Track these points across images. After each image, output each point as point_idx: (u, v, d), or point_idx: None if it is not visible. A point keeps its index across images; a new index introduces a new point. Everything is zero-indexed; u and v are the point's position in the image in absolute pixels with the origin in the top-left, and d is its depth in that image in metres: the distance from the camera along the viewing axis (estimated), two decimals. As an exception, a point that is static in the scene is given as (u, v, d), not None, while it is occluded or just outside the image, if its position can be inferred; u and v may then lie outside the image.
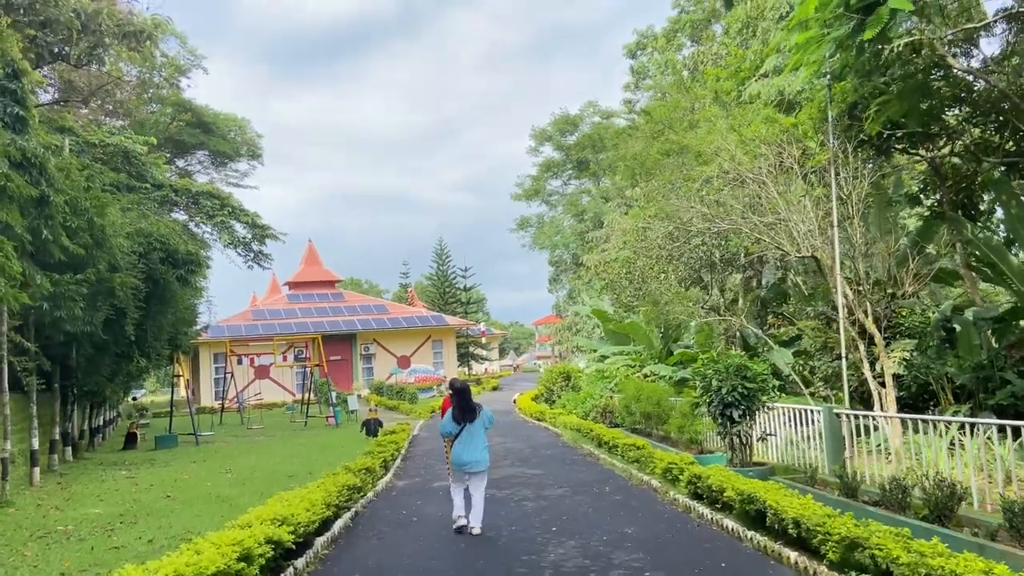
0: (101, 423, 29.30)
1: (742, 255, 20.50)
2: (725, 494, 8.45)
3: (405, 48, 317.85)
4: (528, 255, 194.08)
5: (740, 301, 21.13)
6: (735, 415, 11.22)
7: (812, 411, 11.39)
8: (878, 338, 12.81)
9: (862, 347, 12.73)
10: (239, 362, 37.42)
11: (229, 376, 37.05)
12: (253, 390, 47.46)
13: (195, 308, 26.44)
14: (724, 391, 11.25)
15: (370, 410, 24.30)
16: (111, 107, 32.29)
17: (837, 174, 11.74)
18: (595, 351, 33.53)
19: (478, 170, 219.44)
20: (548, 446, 18.22)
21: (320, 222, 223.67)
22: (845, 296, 12.91)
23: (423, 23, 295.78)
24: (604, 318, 30.78)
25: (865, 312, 12.93)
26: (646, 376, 25.55)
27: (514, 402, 36.99)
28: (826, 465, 11.15)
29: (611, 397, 24.55)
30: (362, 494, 11.31)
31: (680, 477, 10.29)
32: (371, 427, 22.99)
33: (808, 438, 11.42)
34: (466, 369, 59.14)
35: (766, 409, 11.66)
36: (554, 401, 29.31)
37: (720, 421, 11.57)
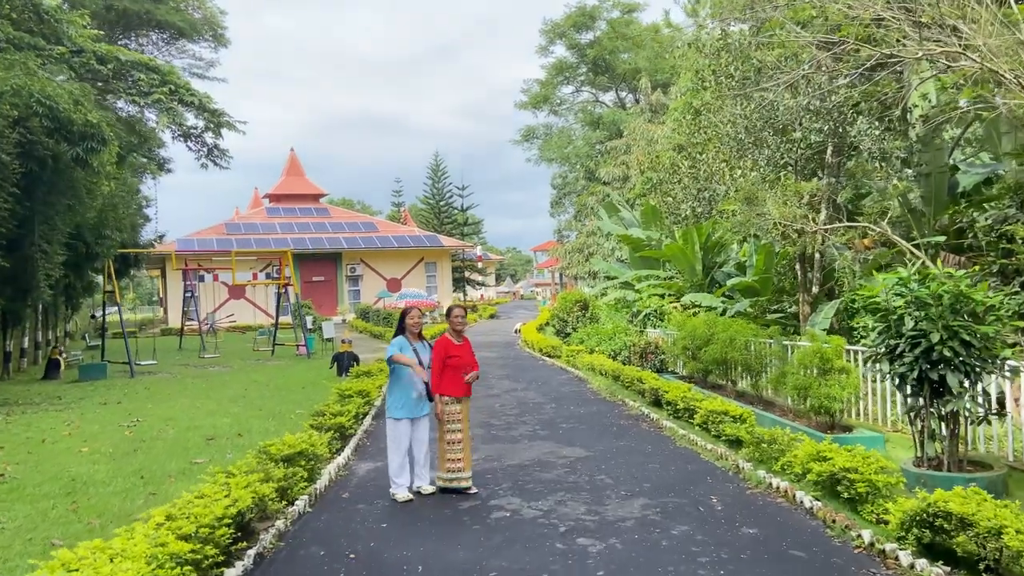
0: (30, 345, 24.58)
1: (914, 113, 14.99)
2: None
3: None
4: (527, 182, 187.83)
5: (823, 213, 15.98)
6: (953, 381, 6.29)
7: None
8: None
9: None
10: (201, 279, 32.37)
11: (189, 296, 32.11)
12: (226, 311, 42.69)
13: (124, 206, 21.11)
14: (934, 339, 6.29)
15: (343, 341, 19.45)
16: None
17: None
18: (614, 277, 28.64)
19: (477, 95, 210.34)
20: (577, 399, 13.39)
21: (314, 144, 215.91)
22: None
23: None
24: (633, 242, 25.72)
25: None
26: (685, 307, 20.74)
27: (517, 332, 32.33)
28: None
29: (641, 332, 19.76)
30: (287, 500, 6.47)
31: (888, 514, 5.41)
32: (343, 362, 18.24)
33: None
34: (461, 295, 54.28)
35: (1007, 371, 6.74)
36: (568, 334, 24.52)
37: (913, 390, 6.66)
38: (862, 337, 13.88)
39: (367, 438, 10.10)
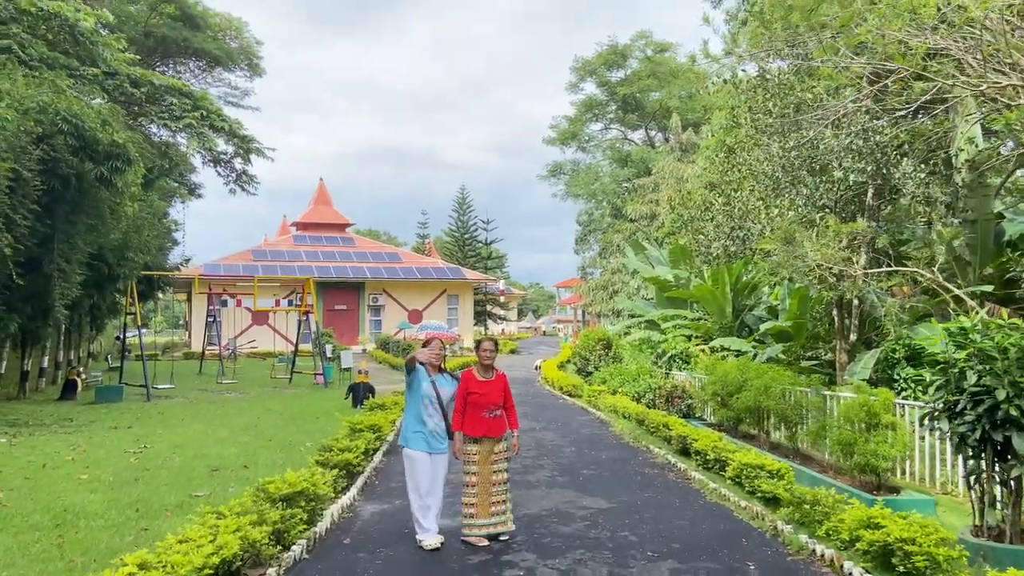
0: (50, 365, 24.44)
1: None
2: None
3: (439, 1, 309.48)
4: (552, 218, 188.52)
5: (862, 257, 15.36)
6: (1019, 444, 5.67)
7: None
8: None
9: None
10: (224, 304, 32.28)
11: (211, 321, 31.97)
12: (248, 337, 42.56)
13: (149, 229, 21.00)
14: (1000, 396, 5.69)
15: (359, 372, 19.02)
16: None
17: None
18: (639, 316, 28.06)
19: (505, 131, 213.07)
20: (598, 443, 12.78)
21: (344, 174, 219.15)
22: None
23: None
24: (660, 283, 25.27)
25: None
26: (714, 350, 20.11)
27: (536, 368, 31.76)
28: None
29: (667, 374, 19.12)
30: (283, 545, 5.97)
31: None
32: (359, 394, 17.79)
33: None
34: (482, 328, 53.80)
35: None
36: (590, 373, 23.90)
37: (974, 452, 6.04)
38: (903, 389, 13.18)
39: (376, 476, 9.59)
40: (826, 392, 10.10)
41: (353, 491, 8.27)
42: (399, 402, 15.17)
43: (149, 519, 7.44)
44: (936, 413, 6.28)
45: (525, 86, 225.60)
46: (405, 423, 6.85)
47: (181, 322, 77.67)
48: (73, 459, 10.92)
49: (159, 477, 9.56)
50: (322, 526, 6.76)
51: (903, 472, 9.06)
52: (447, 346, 41.81)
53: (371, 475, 9.51)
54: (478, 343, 7.06)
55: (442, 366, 7.08)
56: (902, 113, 9.56)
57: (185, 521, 6.81)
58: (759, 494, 7.83)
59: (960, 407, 6.00)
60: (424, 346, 7.12)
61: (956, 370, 6.07)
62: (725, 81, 16.12)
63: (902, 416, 8.83)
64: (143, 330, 65.16)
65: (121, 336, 27.62)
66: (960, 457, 6.26)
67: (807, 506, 6.67)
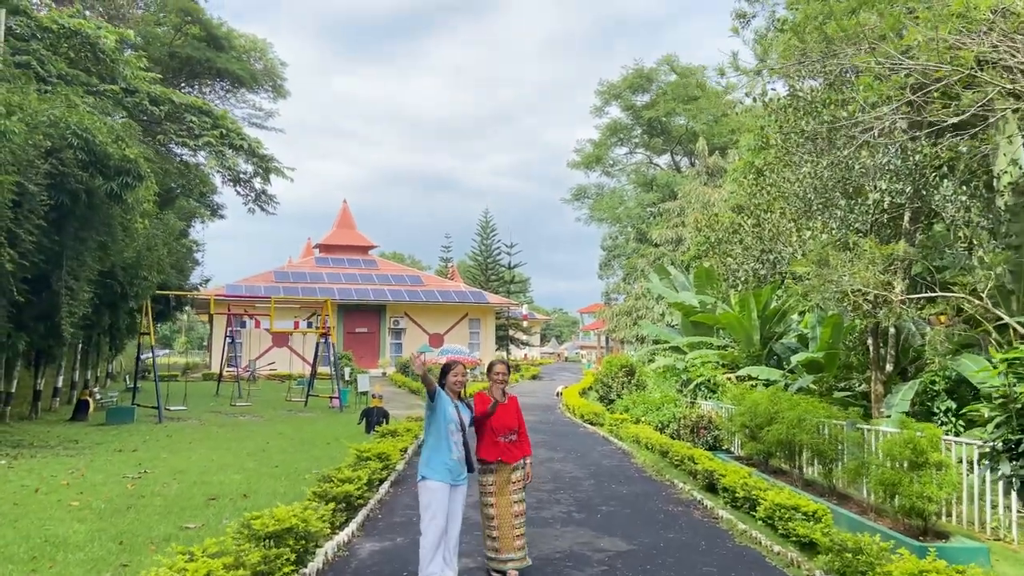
0: (65, 384, 24.25)
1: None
2: None
3: (467, 30, 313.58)
4: (576, 244, 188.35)
5: (899, 284, 14.63)
6: (1098, 494, 4.99)
7: None
8: None
9: None
10: (242, 325, 32.02)
11: (230, 342, 31.69)
12: (269, 358, 42.31)
13: (163, 246, 20.77)
14: (1073, 437, 5.02)
15: (373, 396, 18.50)
16: (104, 11, 26.94)
17: None
18: (663, 342, 27.34)
19: (529, 157, 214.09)
20: (619, 475, 12.09)
21: (369, 198, 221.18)
22: None
23: (487, 5, 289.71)
24: (685, 309, 24.60)
25: None
26: (741, 379, 19.36)
27: (558, 395, 31.03)
28: None
29: (692, 404, 18.38)
30: (267, 590, 5.41)
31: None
32: (372, 419, 17.25)
33: None
34: (504, 353, 53.16)
35: None
36: (612, 400, 23.17)
37: (1041, 499, 5.36)
38: (943, 423, 12.39)
39: (380, 509, 9.00)
40: (865, 427, 9.37)
41: (352, 526, 7.69)
42: (412, 429, 14.62)
43: (132, 553, 6.94)
44: (996, 453, 5.61)
45: (551, 113, 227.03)
46: (426, 452, 6.19)
47: (204, 343, 77.99)
48: (68, 484, 10.49)
49: (152, 505, 9.09)
50: (312, 567, 6.19)
51: (948, 515, 8.31)
52: (468, 371, 41.11)
53: (374, 508, 8.93)
54: (491, 365, 6.80)
55: (462, 393, 6.50)
56: (946, 125, 8.92)
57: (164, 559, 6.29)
58: (794, 538, 7.14)
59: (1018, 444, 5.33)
60: (444, 372, 6.53)
61: (1019, 405, 5.41)
62: (755, 99, 15.58)
63: (948, 453, 8.10)
64: (166, 351, 65.14)
65: (142, 356, 27.39)
66: (1016, 500, 5.54)
67: (849, 555, 5.98)
